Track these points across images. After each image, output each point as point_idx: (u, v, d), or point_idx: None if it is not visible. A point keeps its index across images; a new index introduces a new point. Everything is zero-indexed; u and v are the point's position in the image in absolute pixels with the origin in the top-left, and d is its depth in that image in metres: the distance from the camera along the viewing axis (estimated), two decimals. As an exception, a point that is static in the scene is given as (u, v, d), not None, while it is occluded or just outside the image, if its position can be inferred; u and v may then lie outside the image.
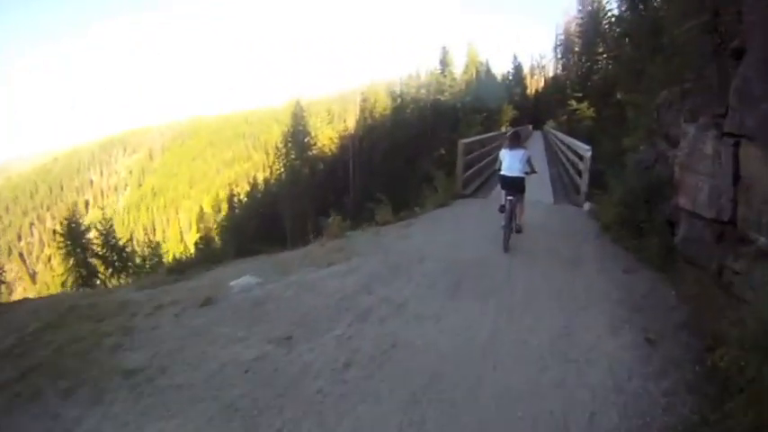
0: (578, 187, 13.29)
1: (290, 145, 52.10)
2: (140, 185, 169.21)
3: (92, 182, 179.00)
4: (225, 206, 66.02)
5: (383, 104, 62.29)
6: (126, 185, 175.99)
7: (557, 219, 11.18)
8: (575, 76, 59.23)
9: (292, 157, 51.64)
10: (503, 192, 8.85)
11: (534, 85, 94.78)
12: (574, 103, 49.74)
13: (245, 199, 61.53)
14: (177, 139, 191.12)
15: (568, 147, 18.82)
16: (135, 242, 38.07)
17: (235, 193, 68.27)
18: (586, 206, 12.02)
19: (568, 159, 18.38)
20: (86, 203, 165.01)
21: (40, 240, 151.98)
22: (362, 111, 64.98)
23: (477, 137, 17.90)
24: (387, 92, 64.75)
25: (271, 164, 61.92)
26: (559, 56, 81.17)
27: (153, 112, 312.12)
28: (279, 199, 48.71)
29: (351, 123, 67.45)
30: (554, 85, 74.04)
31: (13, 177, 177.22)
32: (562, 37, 79.07)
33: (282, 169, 53.35)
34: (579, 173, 13.35)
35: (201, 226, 70.58)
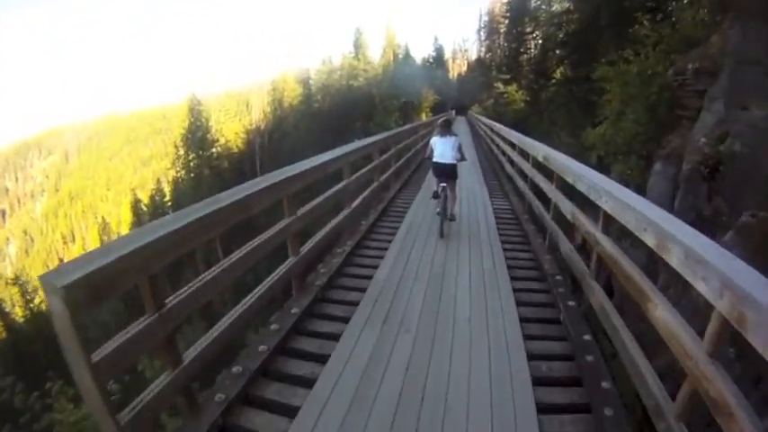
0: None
1: (189, 144, 47.55)
2: (57, 190, 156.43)
3: (7, 190, 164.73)
4: (128, 215, 60.12)
5: (293, 94, 56.88)
6: (43, 191, 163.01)
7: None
8: (501, 57, 55.23)
9: (191, 157, 47.25)
10: (435, 179, 8.84)
11: (457, 69, 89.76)
12: (500, 85, 45.22)
13: (148, 206, 56.11)
14: (93, 139, 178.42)
15: (504, 139, 16.57)
16: None
17: (139, 198, 60.31)
18: None
19: (505, 157, 16.06)
20: (2, 213, 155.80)
21: None
22: (272, 102, 59.90)
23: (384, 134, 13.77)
24: (298, 80, 58.77)
25: (171, 166, 55.53)
26: (483, 38, 76.58)
27: (66, 110, 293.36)
28: (181, 204, 42.58)
29: (259, 116, 60.65)
30: (478, 67, 68.85)
31: None
32: (486, 18, 74.72)
33: (183, 171, 49.01)
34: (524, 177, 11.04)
35: (105, 239, 63.82)
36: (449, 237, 8.18)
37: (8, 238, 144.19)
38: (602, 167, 11.87)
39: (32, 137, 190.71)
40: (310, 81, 57.05)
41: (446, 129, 8.59)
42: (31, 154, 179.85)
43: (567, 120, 24.88)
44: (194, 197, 41.07)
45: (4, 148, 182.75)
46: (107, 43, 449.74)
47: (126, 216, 68.37)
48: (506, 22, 55.38)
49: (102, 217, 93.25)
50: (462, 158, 8.59)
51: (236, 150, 53.57)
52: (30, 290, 40.50)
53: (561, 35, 29.83)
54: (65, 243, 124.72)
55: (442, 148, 8.40)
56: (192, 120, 47.24)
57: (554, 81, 31.31)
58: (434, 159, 8.51)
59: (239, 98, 70.86)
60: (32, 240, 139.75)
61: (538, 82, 34.69)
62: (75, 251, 78.87)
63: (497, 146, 18.96)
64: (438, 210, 8.50)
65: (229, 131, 54.80)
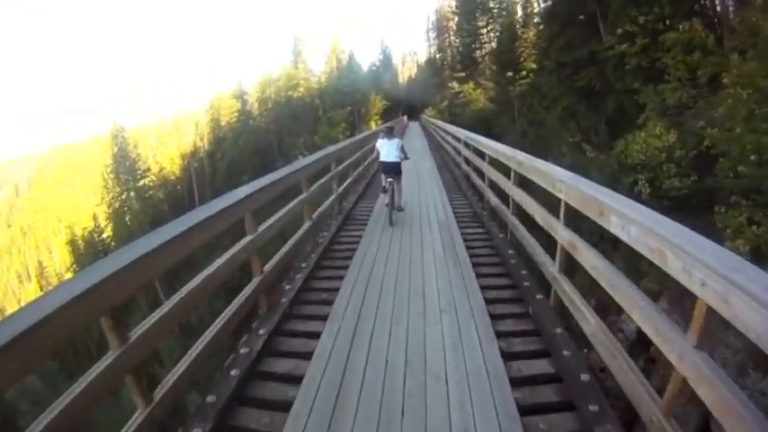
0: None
1: (117, 175, 46.20)
2: (9, 226, 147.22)
3: None
4: (65, 253, 57.92)
5: (230, 111, 52.80)
6: None
7: None
8: (454, 55, 53.68)
9: (117, 190, 46.18)
10: (383, 175, 9.52)
11: (407, 72, 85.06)
12: (455, 85, 42.64)
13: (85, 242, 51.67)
14: (44, 170, 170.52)
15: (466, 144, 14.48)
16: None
17: (76, 236, 54.38)
18: None
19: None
20: None
21: None
22: (209, 122, 56.12)
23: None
24: (234, 96, 53.57)
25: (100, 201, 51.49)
26: (433, 38, 71.25)
27: (13, 143, 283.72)
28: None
29: (197, 139, 55.53)
30: (430, 68, 64.80)
31: None
32: (434, 18, 69.63)
33: (115, 204, 46.93)
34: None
35: (44, 282, 60.28)
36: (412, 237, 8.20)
37: None
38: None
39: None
40: (245, 96, 52.16)
41: (389, 133, 9.74)
42: None
43: (566, 122, 19.65)
44: (123, 232, 42.47)
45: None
46: (47, 71, 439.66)
47: (61, 256, 63.58)
48: (456, 18, 53.40)
49: (38, 260, 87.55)
50: (406, 158, 9.72)
51: (173, 178, 49.72)
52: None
53: (539, 10, 26.19)
54: (20, 282, 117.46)
55: (387, 149, 9.32)
56: (117, 150, 45.24)
57: (525, 73, 27.11)
58: (381, 159, 9.49)
59: (177, 122, 65.54)
60: None
61: (504, 75, 29.73)
62: (31, 290, 75.37)
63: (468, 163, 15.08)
64: (387, 202, 9.23)
65: (164, 158, 51.14)
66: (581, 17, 19.50)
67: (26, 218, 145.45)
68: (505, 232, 7.56)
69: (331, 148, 11.58)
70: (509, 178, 7.02)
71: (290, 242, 6.34)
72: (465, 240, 7.72)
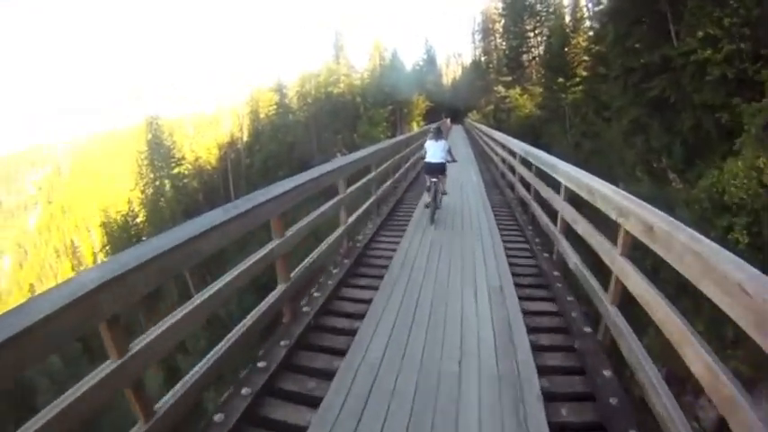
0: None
1: (152, 162, 46.16)
2: (50, 202, 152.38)
3: (0, 202, 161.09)
4: (100, 235, 58.10)
5: (269, 104, 52.06)
6: (36, 203, 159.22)
7: None
8: (500, 58, 51.28)
9: (151, 176, 46.22)
10: (427, 176, 9.69)
11: (451, 75, 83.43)
12: (501, 89, 40.43)
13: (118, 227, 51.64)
14: (87, 152, 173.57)
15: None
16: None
17: (110, 218, 54.33)
18: None
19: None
20: None
21: None
22: (248, 114, 55.74)
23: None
24: (273, 90, 52.68)
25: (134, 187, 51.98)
26: (479, 40, 68.36)
27: (59, 126, 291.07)
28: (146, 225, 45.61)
29: (236, 131, 55.20)
30: (475, 70, 62.20)
31: None
32: (480, 19, 66.99)
33: (149, 191, 47.47)
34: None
35: (75, 262, 61.97)
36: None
37: (1, 252, 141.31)
38: None
39: (23, 151, 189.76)
40: (284, 89, 51.19)
41: (437, 134, 9.81)
42: (23, 167, 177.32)
43: (631, 137, 17.48)
44: (157, 218, 43.47)
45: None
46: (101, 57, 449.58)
47: (98, 236, 64.44)
48: (503, 21, 51.50)
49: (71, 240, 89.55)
50: (453, 160, 9.77)
51: (208, 168, 49.47)
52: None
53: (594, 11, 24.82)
54: (58, 257, 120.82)
55: (433, 150, 9.47)
56: (151, 137, 45.22)
57: (578, 79, 25.11)
58: (427, 159, 9.68)
59: (217, 113, 65.73)
60: (26, 253, 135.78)
61: (554, 81, 27.60)
62: (67, 266, 77.46)
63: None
64: (429, 201, 9.45)
65: (200, 148, 50.72)
66: (647, 18, 17.48)
67: (66, 197, 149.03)
68: (550, 251, 7.05)
69: (372, 148, 10.78)
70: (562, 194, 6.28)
71: (323, 246, 5.98)
72: (508, 256, 7.19)
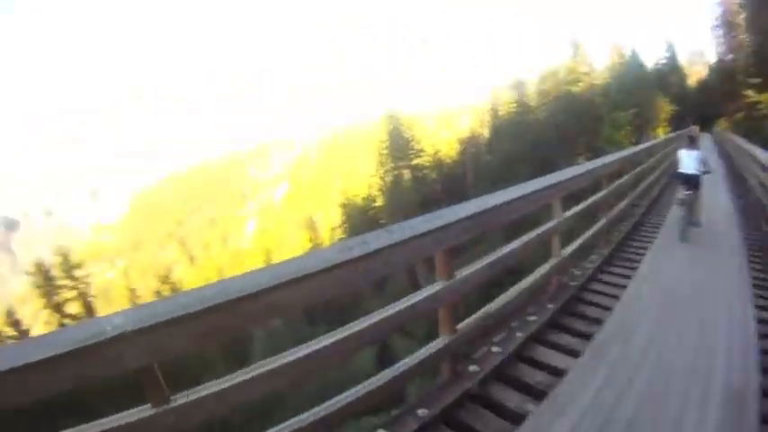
0: None
1: (391, 152, 48.34)
2: (296, 181, 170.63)
3: (250, 176, 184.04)
4: (338, 214, 60.18)
5: (507, 101, 52.25)
6: (283, 181, 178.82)
7: None
8: (748, 55, 44.36)
9: (391, 165, 48.30)
10: (680, 187, 9.15)
11: (695, 75, 75.68)
12: (751, 93, 36.86)
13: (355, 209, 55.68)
14: (332, 142, 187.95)
15: None
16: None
17: (349, 200, 59.38)
18: None
19: None
20: (244, 196, 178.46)
21: (199, 227, 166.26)
22: (488, 111, 56.36)
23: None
24: (512, 87, 53.02)
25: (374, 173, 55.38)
26: (720, 36, 58.03)
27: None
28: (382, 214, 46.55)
29: (475, 127, 57.03)
30: (718, 71, 55.51)
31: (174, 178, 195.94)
32: (720, 10, 56.58)
33: (388, 179, 49.28)
34: None
35: (312, 234, 66.53)
36: None
37: (248, 218, 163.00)
38: None
39: (271, 141, 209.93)
40: (524, 87, 51.36)
41: (692, 143, 9.18)
42: (272, 150, 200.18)
43: None
44: (394, 205, 44.29)
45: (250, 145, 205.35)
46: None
47: (337, 216, 69.78)
48: (744, 14, 46.35)
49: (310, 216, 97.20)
50: (706, 171, 8.91)
51: (448, 161, 51.13)
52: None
53: None
54: (299, 228, 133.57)
55: (686, 161, 8.88)
56: (392, 128, 47.42)
57: None
58: (680, 170, 9.03)
59: (457, 110, 68.26)
60: (269, 222, 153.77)
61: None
62: (305, 238, 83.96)
63: None
64: (682, 215, 8.66)
65: (440, 142, 52.96)
66: None
67: (310, 178, 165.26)
68: None
69: (625, 152, 11.18)
70: None
71: (522, 285, 4.88)
72: None
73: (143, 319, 1.89)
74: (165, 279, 49.88)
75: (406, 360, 3.31)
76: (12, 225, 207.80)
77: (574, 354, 4.23)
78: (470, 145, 48.96)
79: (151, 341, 1.94)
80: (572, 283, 5.76)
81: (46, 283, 36.54)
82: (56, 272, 37.76)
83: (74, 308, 37.36)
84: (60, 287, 37.28)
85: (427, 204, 35.68)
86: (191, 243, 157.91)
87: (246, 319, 2.31)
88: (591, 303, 5.42)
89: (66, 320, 35.14)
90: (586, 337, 4.51)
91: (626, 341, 4.35)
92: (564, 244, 5.77)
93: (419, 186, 45.89)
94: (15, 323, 34.90)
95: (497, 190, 4.22)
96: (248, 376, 2.28)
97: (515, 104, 49.48)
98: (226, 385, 2.22)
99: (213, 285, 2.23)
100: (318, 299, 2.69)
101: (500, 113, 52.15)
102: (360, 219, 50.41)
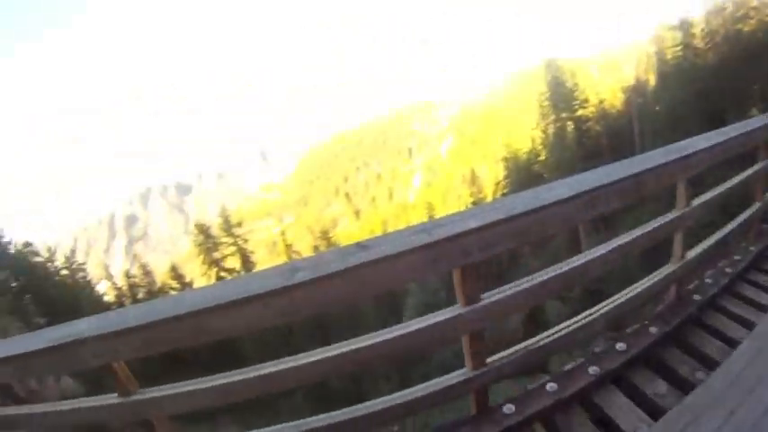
0: None
1: (553, 104, 47.11)
2: (461, 135, 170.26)
3: (414, 132, 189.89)
4: (502, 168, 61.07)
5: (673, 45, 46.70)
6: (448, 134, 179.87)
7: None
8: None
9: (552, 117, 47.02)
10: None
11: None
12: None
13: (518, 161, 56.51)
14: (496, 93, 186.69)
15: None
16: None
17: (512, 154, 60.28)
18: None
19: None
20: (410, 151, 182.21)
21: (365, 182, 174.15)
22: (653, 55, 52.72)
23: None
24: (677, 29, 47.33)
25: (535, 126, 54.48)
26: None
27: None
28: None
29: (640, 74, 54.54)
30: None
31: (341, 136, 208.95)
32: None
33: (550, 131, 48.59)
34: None
35: (474, 189, 67.19)
36: None
37: (414, 172, 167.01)
38: None
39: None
40: (688, 27, 45.40)
41: None
42: (434, 108, 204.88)
43: None
44: (557, 160, 44.14)
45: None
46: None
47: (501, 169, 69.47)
48: None
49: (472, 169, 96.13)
50: None
51: (613, 112, 48.91)
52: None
53: None
54: (463, 183, 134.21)
55: None
56: (551, 78, 46.19)
57: None
58: None
59: (621, 55, 64.33)
60: (435, 176, 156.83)
61: None
62: (466, 193, 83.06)
63: None
64: None
65: (606, 91, 51.02)
66: None
67: (476, 131, 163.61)
68: None
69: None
70: None
71: (730, 227, 4.09)
72: None
73: (100, 327, 2.04)
74: (324, 235, 54.77)
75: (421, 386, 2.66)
76: (185, 190, 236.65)
77: (671, 393, 2.85)
78: (635, 94, 45.91)
79: (108, 346, 2.07)
80: (695, 297, 3.80)
81: (206, 241, 41.71)
82: (216, 231, 42.83)
83: (232, 262, 42.34)
84: (220, 244, 42.33)
85: (590, 159, 34.90)
86: (357, 198, 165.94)
87: (173, 339, 2.22)
88: (715, 329, 3.47)
89: (224, 274, 40.19)
90: (690, 385, 2.81)
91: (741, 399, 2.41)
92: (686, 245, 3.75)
93: (583, 140, 44.63)
94: (179, 277, 41.13)
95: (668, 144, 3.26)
96: (207, 385, 2.28)
97: (681, 47, 44.57)
98: (182, 389, 2.27)
99: (166, 300, 2.80)
100: (256, 327, 2.41)
101: (667, 57, 46.96)
102: (523, 173, 50.76)
